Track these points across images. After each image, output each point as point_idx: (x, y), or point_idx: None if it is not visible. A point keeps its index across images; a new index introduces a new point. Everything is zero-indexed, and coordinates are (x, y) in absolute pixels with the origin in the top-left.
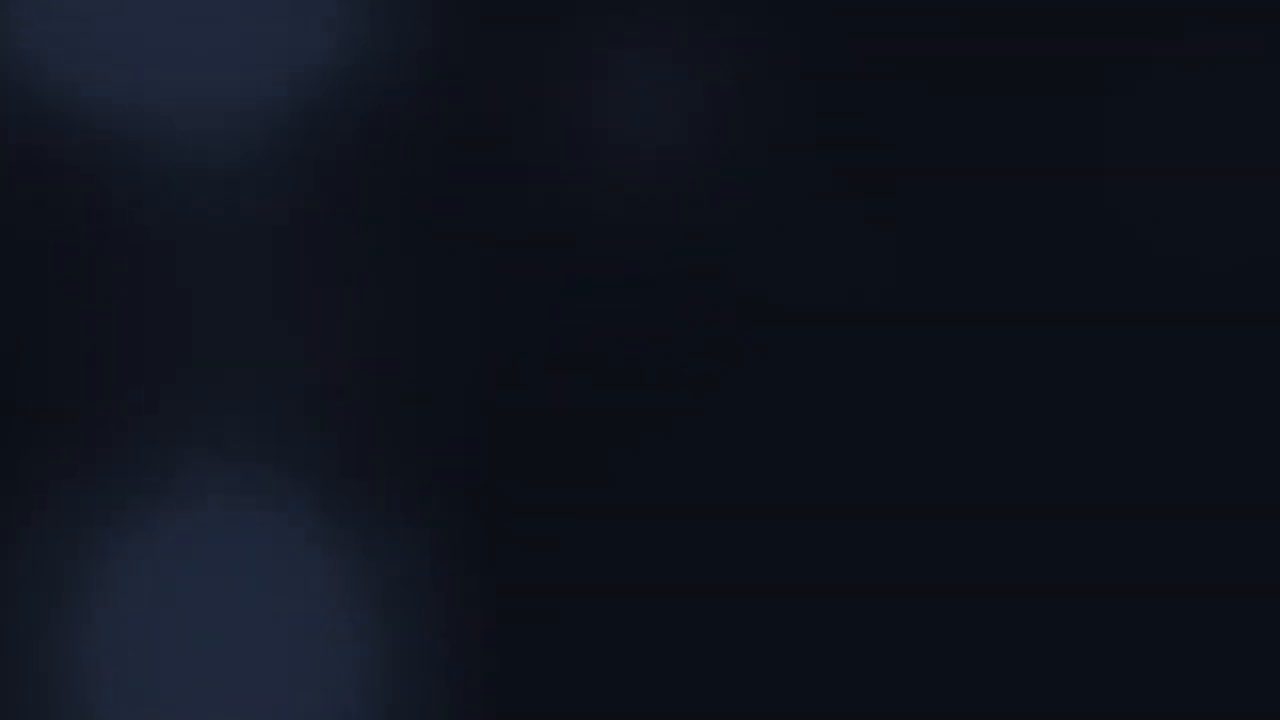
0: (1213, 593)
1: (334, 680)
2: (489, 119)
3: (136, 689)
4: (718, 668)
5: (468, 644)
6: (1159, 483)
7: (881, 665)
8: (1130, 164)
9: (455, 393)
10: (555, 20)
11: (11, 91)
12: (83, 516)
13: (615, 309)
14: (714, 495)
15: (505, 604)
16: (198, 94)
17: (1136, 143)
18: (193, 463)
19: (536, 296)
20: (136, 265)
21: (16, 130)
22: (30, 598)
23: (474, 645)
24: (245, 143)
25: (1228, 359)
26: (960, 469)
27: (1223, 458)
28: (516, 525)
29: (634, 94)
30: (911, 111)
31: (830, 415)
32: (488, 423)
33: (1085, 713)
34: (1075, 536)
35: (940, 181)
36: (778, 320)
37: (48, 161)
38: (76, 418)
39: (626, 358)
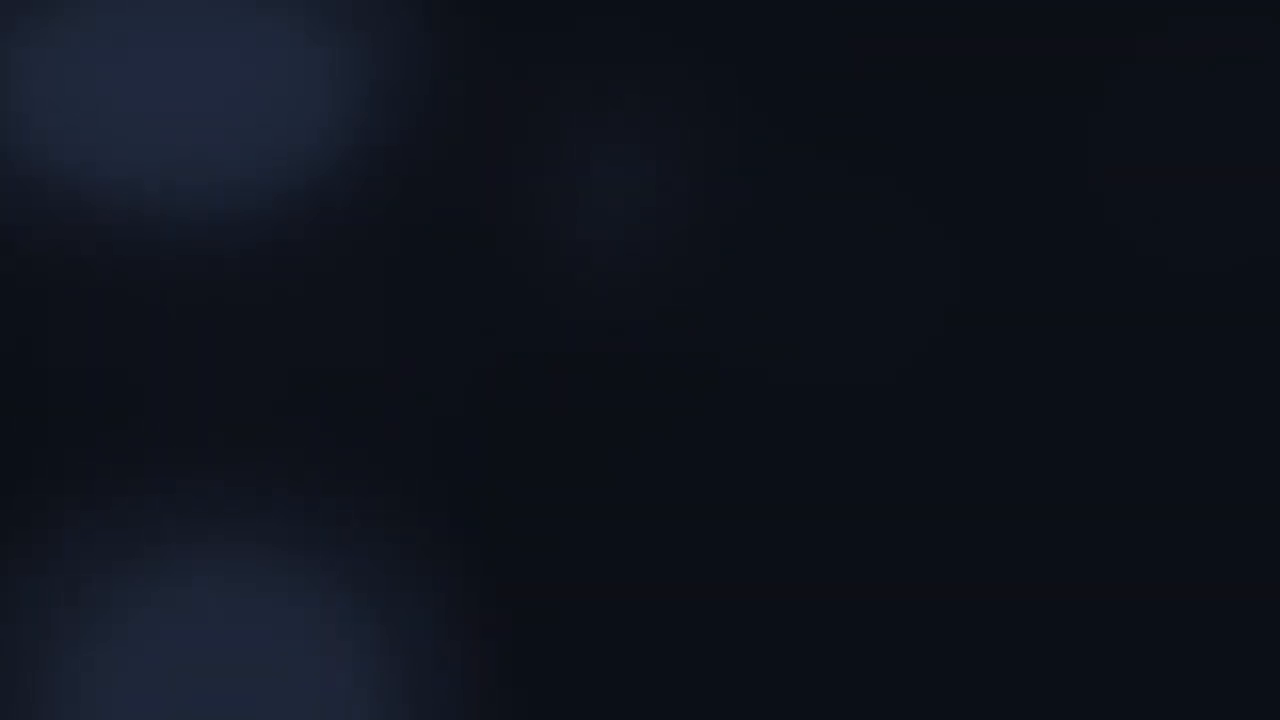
0: (1213, 593)
1: (333, 681)
2: (490, 128)
3: (138, 698)
4: (718, 668)
5: (468, 644)
6: (1159, 483)
7: (881, 665)
8: (1130, 164)
9: (455, 393)
10: (556, 22)
11: (14, 169)
12: (85, 519)
13: (616, 309)
14: (714, 495)
15: (506, 604)
16: (193, 162)
17: (1137, 143)
18: (191, 464)
19: (537, 297)
20: (140, 303)
21: (20, 207)
22: (38, 618)
23: (474, 646)
24: (245, 195)
25: (1228, 359)
26: (960, 469)
27: (1223, 458)
28: (516, 525)
29: (634, 92)
30: (911, 111)
31: (830, 415)
32: (488, 423)
33: (1085, 713)
34: (1075, 536)
35: (941, 182)
36: (777, 319)
37: (51, 236)
38: (80, 435)
39: (627, 358)
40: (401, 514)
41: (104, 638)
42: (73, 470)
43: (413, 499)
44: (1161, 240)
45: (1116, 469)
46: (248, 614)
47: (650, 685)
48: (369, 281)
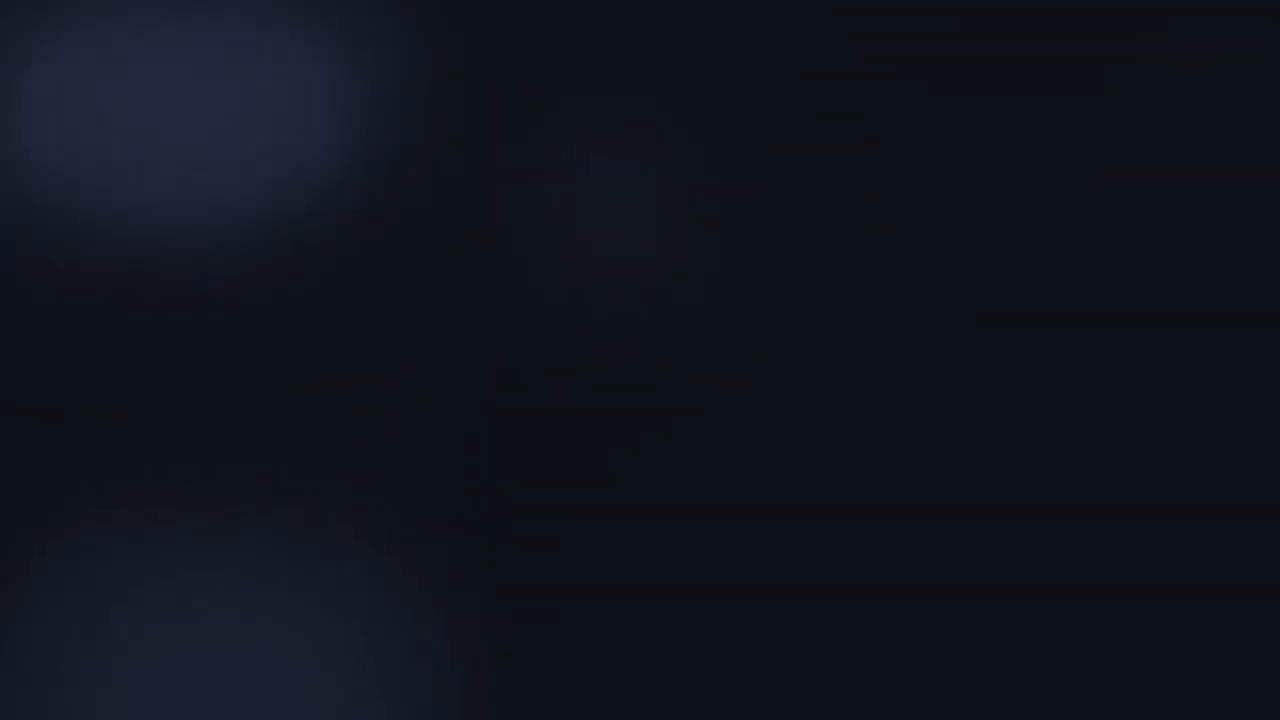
0: (1213, 593)
1: (333, 681)
2: (490, 132)
3: (138, 697)
4: (718, 668)
5: (468, 644)
6: (1159, 483)
7: (881, 665)
8: (1131, 164)
9: (455, 393)
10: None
11: (20, 178)
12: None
13: (617, 309)
14: (714, 495)
15: (506, 604)
16: (196, 170)
17: (1137, 143)
18: (191, 463)
19: (537, 298)
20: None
21: (24, 213)
22: (39, 618)
23: (474, 646)
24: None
25: (1228, 359)
26: (959, 469)
27: (1223, 458)
28: (516, 525)
29: (634, 94)
30: (911, 111)
31: (830, 414)
32: (488, 423)
33: (1085, 713)
34: (1075, 536)
35: (941, 182)
36: (775, 318)
37: (53, 241)
38: (84, 424)
39: (628, 358)
40: (402, 514)
41: (104, 637)
42: (73, 471)
43: (413, 499)
44: (1161, 240)
45: (1116, 469)
46: (247, 614)
47: (650, 685)
48: (369, 282)
